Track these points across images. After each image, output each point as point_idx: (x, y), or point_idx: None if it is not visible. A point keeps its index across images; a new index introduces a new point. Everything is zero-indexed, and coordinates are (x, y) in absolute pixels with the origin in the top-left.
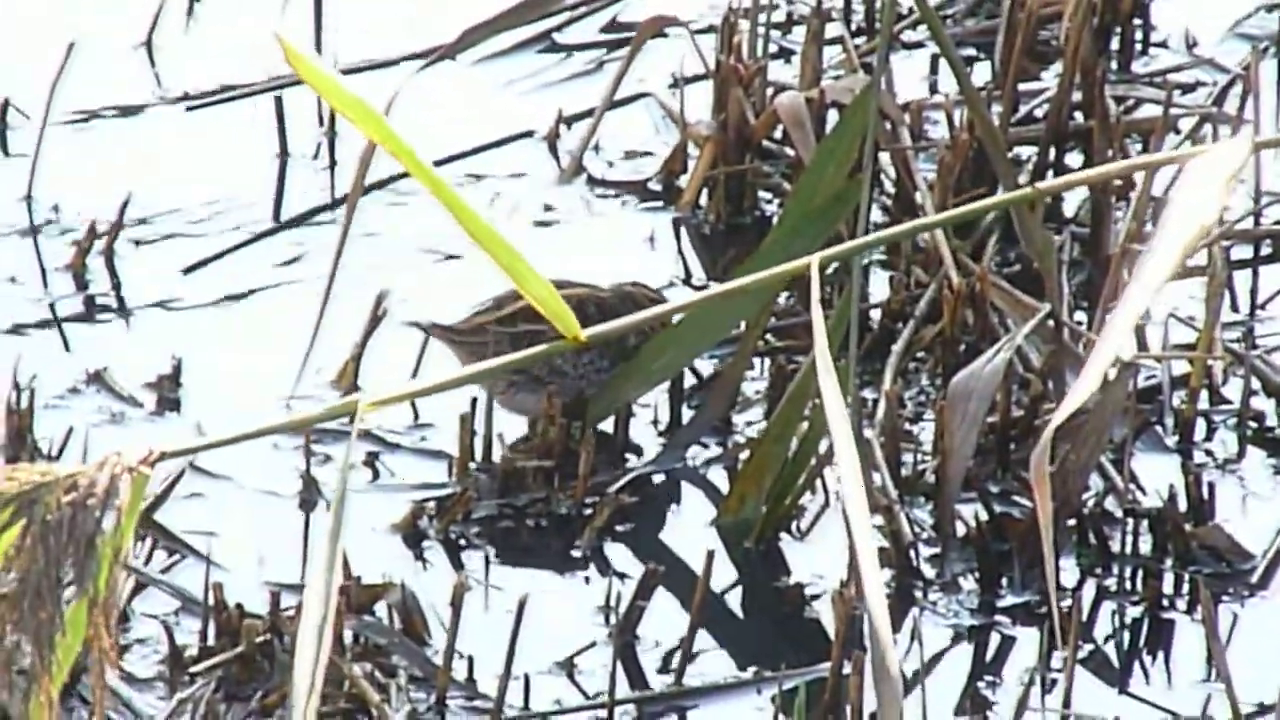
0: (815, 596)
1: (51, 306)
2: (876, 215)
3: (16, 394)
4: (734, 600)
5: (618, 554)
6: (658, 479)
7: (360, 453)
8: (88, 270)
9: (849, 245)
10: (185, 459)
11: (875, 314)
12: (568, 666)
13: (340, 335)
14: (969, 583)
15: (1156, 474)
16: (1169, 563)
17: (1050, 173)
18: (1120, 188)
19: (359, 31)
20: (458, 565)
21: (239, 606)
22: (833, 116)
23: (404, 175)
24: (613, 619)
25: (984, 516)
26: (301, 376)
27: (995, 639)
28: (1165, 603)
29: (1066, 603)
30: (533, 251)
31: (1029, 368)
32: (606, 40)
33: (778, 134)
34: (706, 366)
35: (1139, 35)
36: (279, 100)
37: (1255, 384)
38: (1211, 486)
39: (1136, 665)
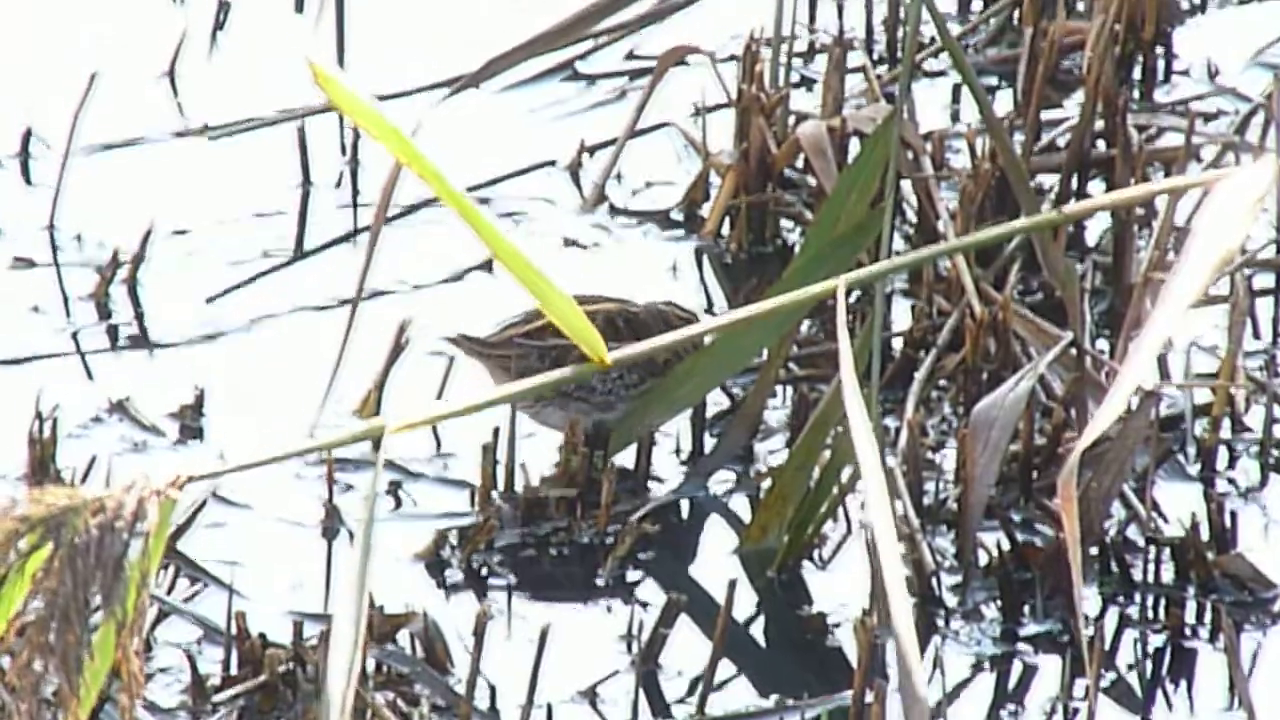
0: (837, 625)
1: (74, 336)
2: (899, 244)
3: (39, 423)
4: (756, 629)
5: (640, 583)
6: (680, 508)
7: (383, 482)
8: (110, 299)
9: (876, 268)
10: (209, 487)
11: (897, 342)
12: (590, 695)
13: (363, 364)
14: (991, 611)
15: (1179, 502)
16: (1191, 591)
17: (1073, 200)
18: (1142, 216)
19: (382, 60)
20: (480, 594)
21: (262, 635)
22: (855, 145)
23: (426, 204)
24: (635, 648)
25: (1006, 545)
26: (325, 405)
27: (1018, 667)
28: (1187, 631)
29: (1089, 631)
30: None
31: (1051, 396)
32: (628, 69)
33: (799, 163)
34: (728, 395)
35: (1161, 64)
36: (301, 130)
37: (1277, 412)
38: (1234, 515)
39: (1159, 694)
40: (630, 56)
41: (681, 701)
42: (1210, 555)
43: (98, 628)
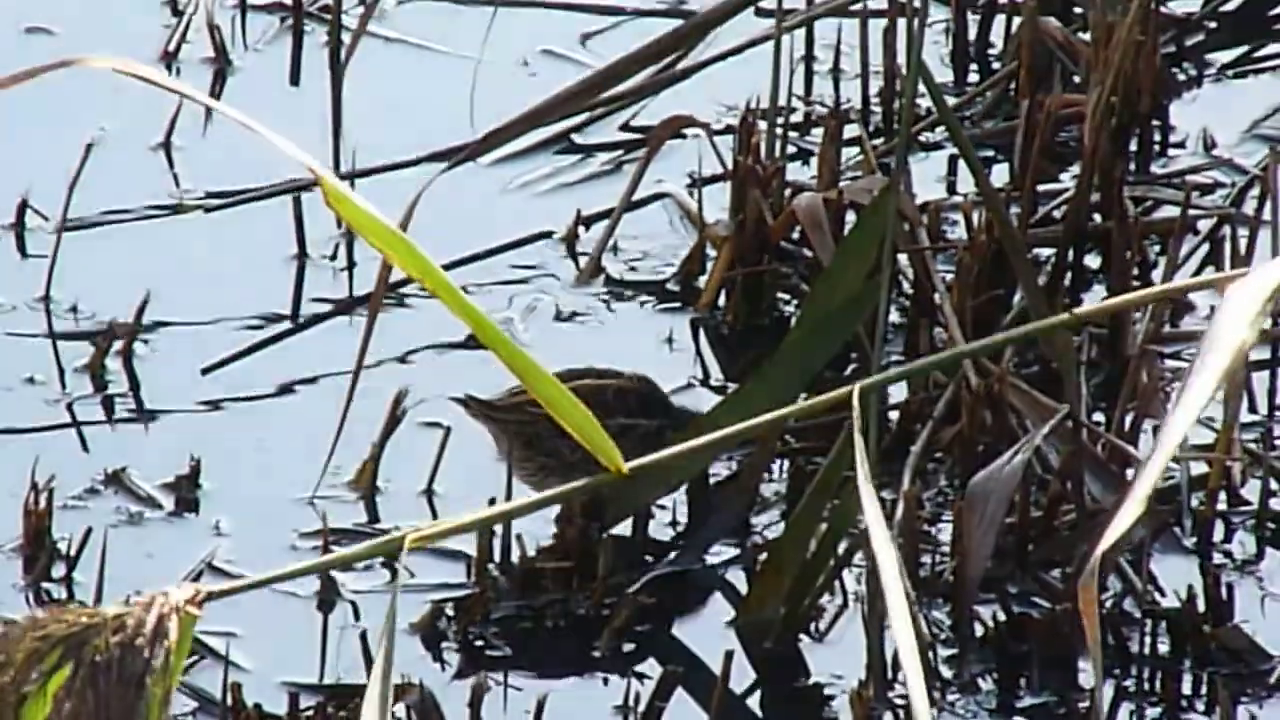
0: (834, 697)
1: (70, 407)
2: (895, 317)
3: (35, 494)
4: (753, 701)
5: (637, 655)
6: (677, 580)
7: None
8: (106, 371)
9: (892, 373)
10: (205, 558)
11: (893, 414)
12: None
13: (358, 434)
14: (988, 683)
15: (1175, 575)
16: (1187, 664)
17: (1069, 273)
18: (1138, 289)
19: (378, 132)
20: (476, 666)
21: (257, 707)
22: (851, 217)
23: None
24: None
25: (1002, 617)
26: (323, 479)
27: None
28: (1184, 704)
29: (1084, 704)
30: (550, 353)
31: (1047, 469)
32: (624, 141)
33: (796, 234)
34: (725, 467)
35: (1157, 136)
36: (297, 201)
37: (1274, 485)
38: (1230, 587)
39: None
40: (626, 128)
41: None
42: (1207, 628)
43: None
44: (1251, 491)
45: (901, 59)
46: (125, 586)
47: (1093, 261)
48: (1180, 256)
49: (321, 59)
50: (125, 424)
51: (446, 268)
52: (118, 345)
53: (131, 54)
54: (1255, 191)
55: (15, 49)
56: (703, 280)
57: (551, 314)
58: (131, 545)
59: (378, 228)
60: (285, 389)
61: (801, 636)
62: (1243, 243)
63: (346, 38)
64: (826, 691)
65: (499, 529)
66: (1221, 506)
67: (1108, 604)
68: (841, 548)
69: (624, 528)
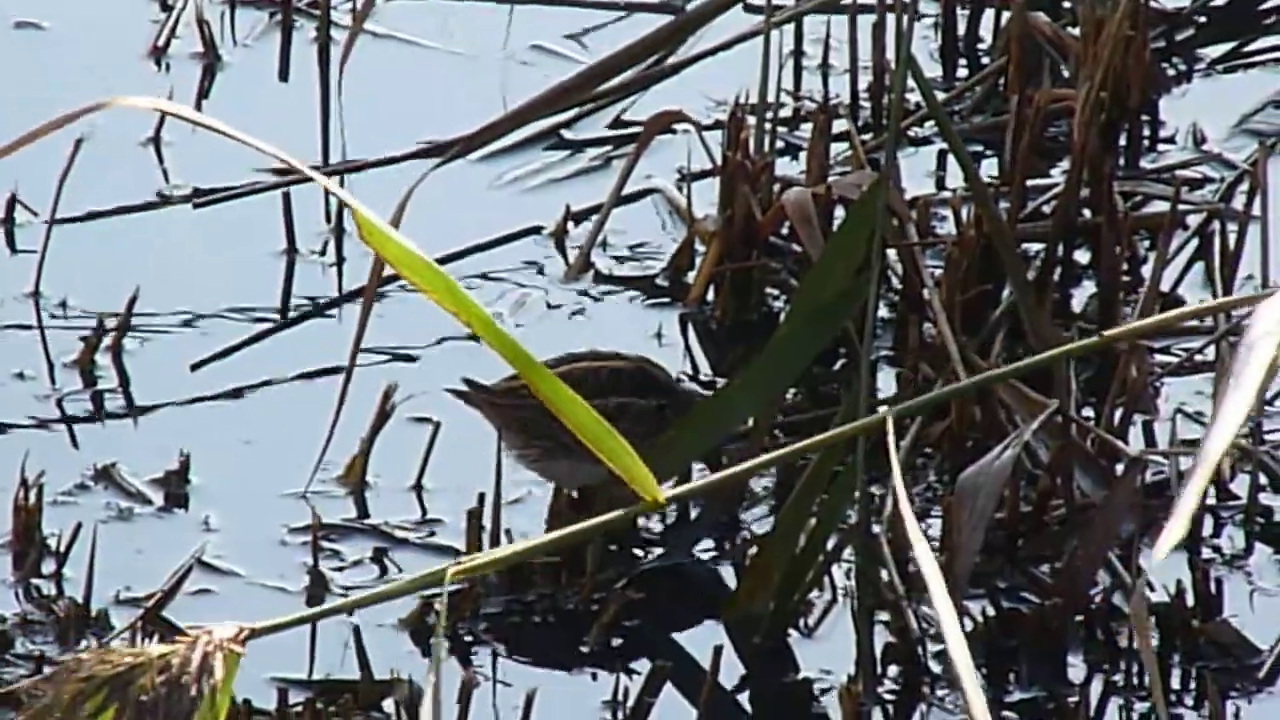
0: (823, 692)
1: (59, 403)
2: (883, 312)
3: (24, 490)
4: (742, 697)
5: (625, 650)
6: (666, 575)
7: (367, 549)
8: (95, 366)
9: (927, 398)
10: (195, 554)
11: (883, 409)
12: None
13: (347, 429)
14: (977, 678)
15: (1164, 570)
16: (1176, 658)
17: (1059, 269)
18: (1128, 284)
19: (367, 128)
20: (465, 661)
21: (246, 702)
22: (839, 212)
23: None
24: (621, 715)
25: (992, 612)
26: (315, 475)
27: None
28: (1173, 698)
29: (1073, 699)
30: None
31: (1037, 464)
32: (614, 136)
33: (785, 229)
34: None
35: (1147, 131)
36: (286, 197)
37: (1263, 479)
38: (1219, 582)
39: None
40: (615, 124)
41: None
42: (1196, 622)
43: None
44: (1240, 486)
45: (890, 54)
46: (115, 582)
47: (1082, 257)
48: (1170, 252)
49: (311, 54)
50: (115, 419)
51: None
52: (107, 341)
53: (122, 49)
54: (1245, 186)
55: (4, 45)
56: (691, 275)
57: (541, 309)
58: (121, 541)
59: (415, 263)
60: (274, 384)
61: (791, 632)
62: (1232, 238)
63: (336, 33)
64: (816, 687)
65: (488, 524)
66: (1211, 501)
67: (1097, 599)
68: (830, 543)
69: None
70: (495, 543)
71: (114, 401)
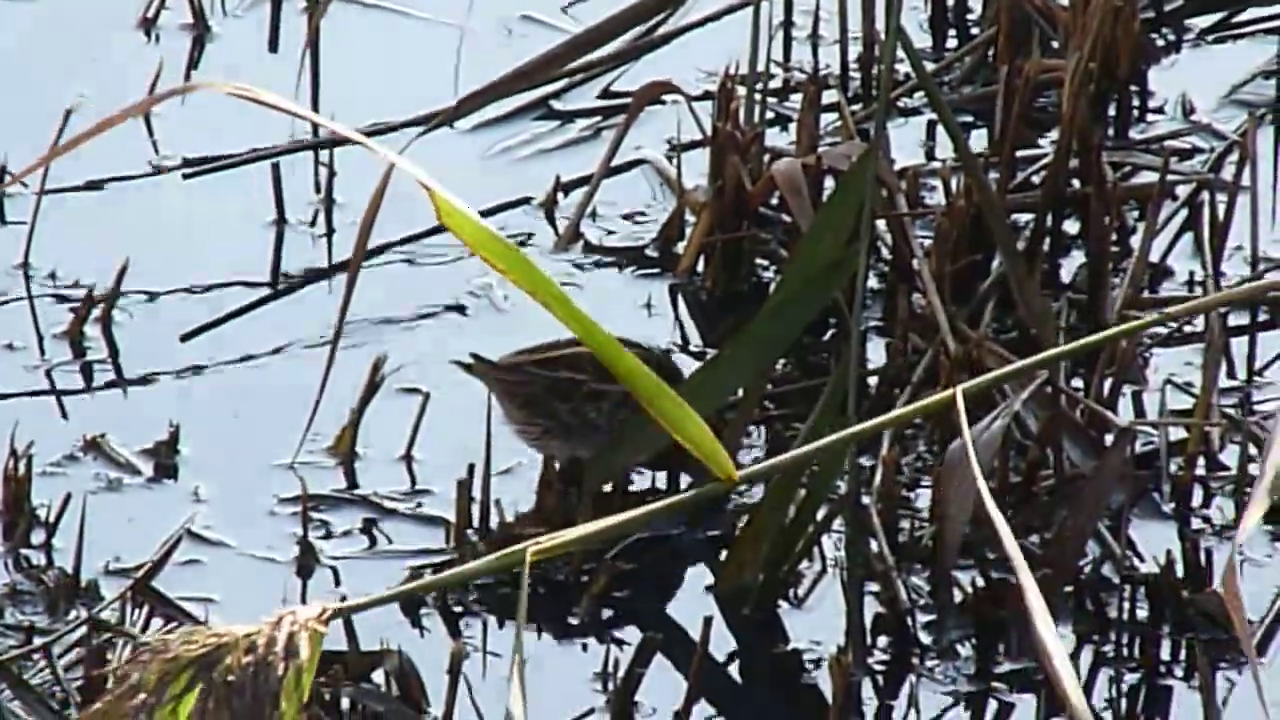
0: (813, 663)
1: (48, 373)
2: (873, 282)
3: (14, 461)
4: (732, 667)
5: (615, 621)
6: (655, 546)
7: (357, 519)
8: (85, 337)
9: (990, 376)
10: (183, 525)
11: (873, 380)
12: None
13: (336, 399)
14: (966, 649)
15: (1153, 540)
16: (1166, 629)
17: (1048, 239)
18: (1117, 255)
19: (356, 97)
20: (455, 632)
21: None
22: (829, 183)
23: (404, 241)
24: (610, 686)
25: (981, 583)
26: (303, 445)
27: (993, 706)
28: (1162, 669)
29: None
30: (529, 319)
31: (1026, 434)
32: (604, 107)
33: (775, 200)
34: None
35: (1136, 102)
36: (276, 167)
37: (1252, 450)
38: (1209, 553)
39: None
40: (605, 94)
41: None
42: (1185, 593)
43: None
44: (1230, 457)
45: (880, 24)
46: (104, 553)
47: (1071, 227)
48: (1159, 222)
49: (300, 25)
50: (104, 390)
51: (426, 234)
52: (97, 311)
53: (111, 20)
54: (1234, 157)
55: None
56: (681, 246)
57: None
58: (111, 511)
59: (493, 244)
60: (264, 355)
61: (780, 602)
62: (1221, 208)
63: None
64: (805, 657)
65: (478, 494)
66: (1201, 472)
67: (1086, 570)
68: (820, 514)
69: (603, 493)
70: (485, 513)
71: (103, 372)
